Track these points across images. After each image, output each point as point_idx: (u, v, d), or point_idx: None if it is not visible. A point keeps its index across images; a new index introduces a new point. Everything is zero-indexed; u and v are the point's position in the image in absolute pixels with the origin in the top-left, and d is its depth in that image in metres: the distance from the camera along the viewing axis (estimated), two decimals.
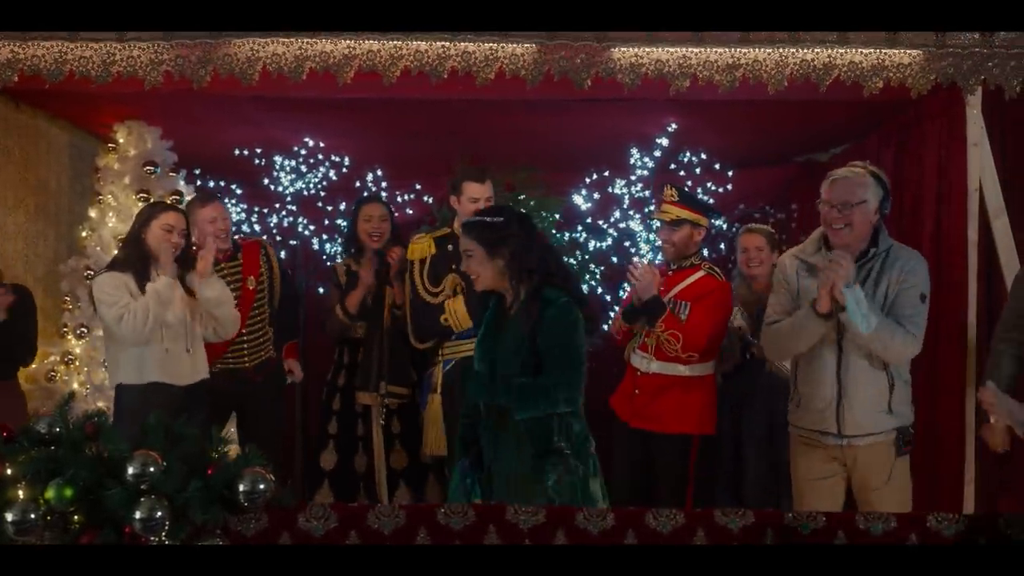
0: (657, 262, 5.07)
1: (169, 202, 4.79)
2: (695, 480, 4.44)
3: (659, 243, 4.77)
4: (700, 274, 4.54)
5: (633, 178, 5.94)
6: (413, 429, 5.08)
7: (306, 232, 6.49)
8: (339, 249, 6.17)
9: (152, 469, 2.59)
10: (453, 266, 4.57)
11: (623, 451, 4.61)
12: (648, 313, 4.37)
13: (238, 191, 6.45)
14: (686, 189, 4.87)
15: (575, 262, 5.84)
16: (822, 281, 3.54)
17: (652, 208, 4.77)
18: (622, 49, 4.40)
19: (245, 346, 4.84)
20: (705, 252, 6.26)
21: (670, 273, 4.59)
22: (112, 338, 4.29)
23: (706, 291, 4.46)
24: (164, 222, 4.29)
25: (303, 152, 6.01)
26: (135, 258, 4.28)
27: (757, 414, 4.58)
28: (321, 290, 6.14)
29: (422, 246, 4.74)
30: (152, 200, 5.11)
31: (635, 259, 4.50)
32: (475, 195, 4.55)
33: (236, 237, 5.17)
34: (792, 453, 3.89)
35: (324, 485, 5.11)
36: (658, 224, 4.72)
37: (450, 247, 4.60)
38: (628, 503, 4.17)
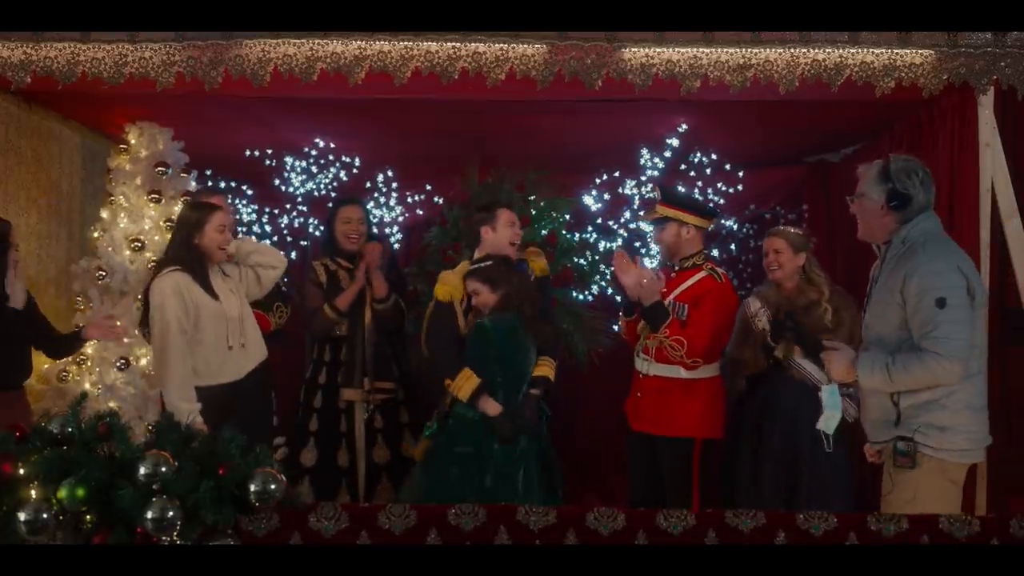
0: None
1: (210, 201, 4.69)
2: (700, 482, 4.42)
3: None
4: (701, 275, 4.50)
5: (643, 178, 5.93)
6: (395, 424, 5.19)
7: (316, 232, 6.50)
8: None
9: (164, 469, 2.60)
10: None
11: (632, 454, 4.63)
12: (651, 319, 4.37)
13: (249, 192, 6.48)
14: (673, 188, 4.87)
15: (585, 263, 5.84)
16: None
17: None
18: (632, 49, 4.41)
19: None
20: (715, 253, 6.36)
21: (673, 275, 4.58)
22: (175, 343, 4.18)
23: (703, 292, 4.43)
24: (217, 223, 4.28)
25: (314, 153, 6.04)
26: (191, 260, 4.24)
27: (778, 417, 4.56)
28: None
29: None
30: (188, 202, 5.03)
31: (616, 248, 4.46)
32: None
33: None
34: None
35: (304, 482, 5.13)
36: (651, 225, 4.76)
37: None
38: (643, 505, 4.19)
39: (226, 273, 4.39)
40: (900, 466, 3.39)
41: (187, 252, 4.25)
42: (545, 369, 4.49)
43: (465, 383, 4.29)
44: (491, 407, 4.27)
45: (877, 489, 3.76)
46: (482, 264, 4.41)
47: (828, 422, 3.92)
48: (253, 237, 4.58)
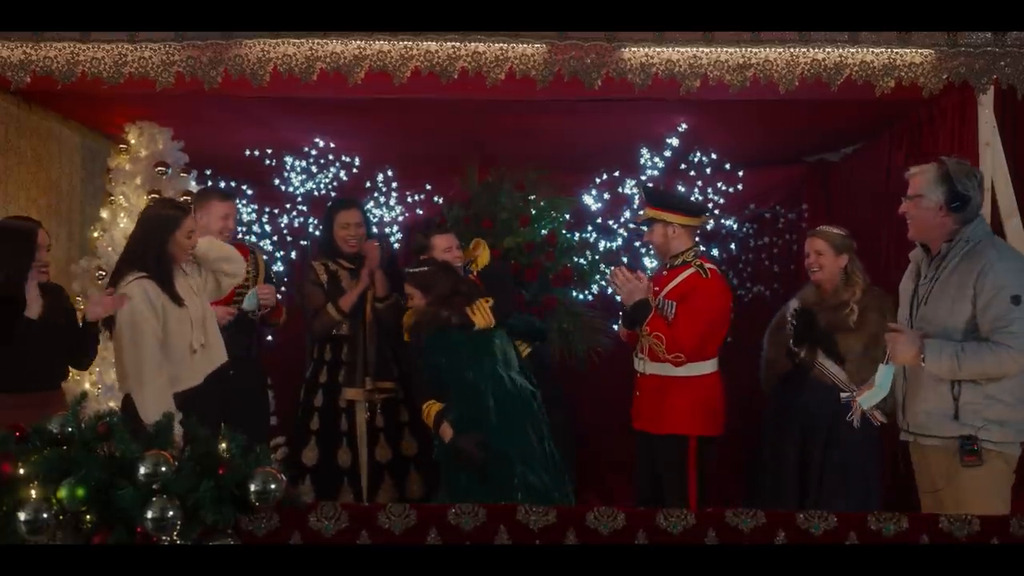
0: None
1: (181, 202, 4.62)
2: (698, 481, 4.43)
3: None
4: (688, 272, 4.52)
5: (643, 178, 5.93)
6: (396, 423, 5.22)
7: (316, 232, 6.49)
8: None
9: (164, 469, 2.60)
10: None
11: (638, 454, 4.68)
12: (635, 317, 4.44)
13: (249, 192, 6.47)
14: (655, 189, 4.92)
15: (585, 262, 5.85)
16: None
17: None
18: (632, 49, 4.40)
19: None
20: (715, 253, 6.36)
21: (664, 273, 4.62)
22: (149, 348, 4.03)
23: (688, 289, 4.46)
24: (188, 228, 4.14)
25: (314, 153, 6.03)
26: (158, 266, 4.06)
27: (798, 418, 4.56)
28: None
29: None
30: (158, 200, 4.97)
31: (615, 268, 4.54)
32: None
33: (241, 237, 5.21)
34: None
35: (306, 481, 5.14)
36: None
37: None
38: (650, 504, 4.20)
39: (185, 271, 4.22)
40: (968, 465, 3.48)
41: (155, 258, 4.05)
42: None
43: (428, 415, 4.40)
44: (446, 433, 4.31)
45: (910, 487, 3.83)
46: (418, 269, 4.51)
47: (870, 397, 3.81)
48: (216, 239, 4.50)
